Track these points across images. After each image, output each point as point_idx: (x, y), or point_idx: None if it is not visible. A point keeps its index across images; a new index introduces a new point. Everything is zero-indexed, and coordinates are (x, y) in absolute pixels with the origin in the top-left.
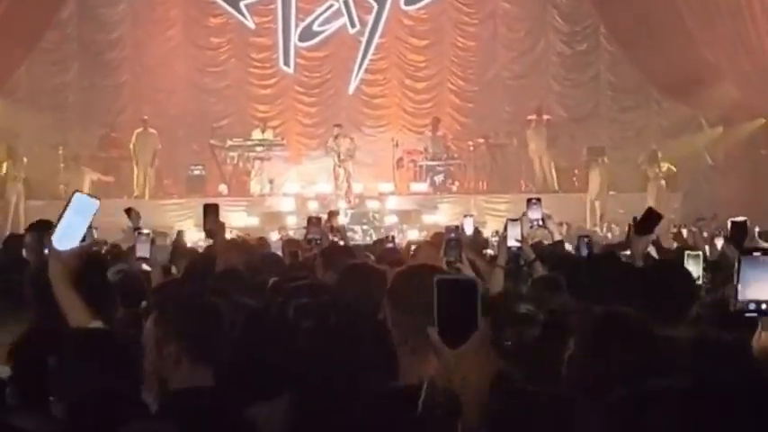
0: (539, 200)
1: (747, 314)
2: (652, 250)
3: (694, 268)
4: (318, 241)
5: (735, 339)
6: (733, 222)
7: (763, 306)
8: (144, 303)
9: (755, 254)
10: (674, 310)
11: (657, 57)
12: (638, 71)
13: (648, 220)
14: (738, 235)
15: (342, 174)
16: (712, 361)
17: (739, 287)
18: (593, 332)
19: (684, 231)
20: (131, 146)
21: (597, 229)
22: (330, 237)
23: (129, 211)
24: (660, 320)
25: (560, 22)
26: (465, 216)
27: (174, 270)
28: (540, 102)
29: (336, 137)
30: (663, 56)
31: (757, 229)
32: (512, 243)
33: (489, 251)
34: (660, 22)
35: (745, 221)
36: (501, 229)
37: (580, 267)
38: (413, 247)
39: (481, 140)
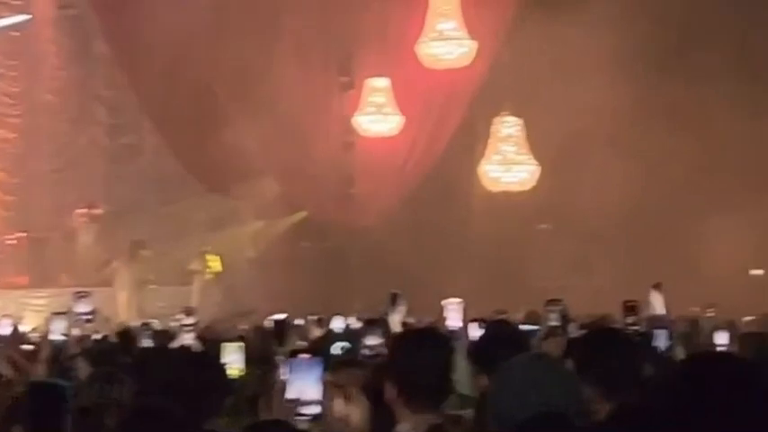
0: (87, 294)
1: (297, 417)
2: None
3: (237, 358)
4: None
5: None
6: (276, 321)
7: (312, 408)
8: None
9: (302, 356)
10: (211, 404)
11: (201, 150)
12: (181, 165)
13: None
14: (279, 331)
15: None
16: None
17: (288, 387)
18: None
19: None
20: None
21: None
22: None
23: None
24: (200, 415)
25: (105, 115)
26: (2, 317)
27: None
28: (89, 195)
29: None
30: (206, 149)
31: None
32: (56, 337)
33: (30, 346)
34: (196, 112)
35: (285, 319)
36: (42, 324)
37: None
38: None
39: (23, 234)
